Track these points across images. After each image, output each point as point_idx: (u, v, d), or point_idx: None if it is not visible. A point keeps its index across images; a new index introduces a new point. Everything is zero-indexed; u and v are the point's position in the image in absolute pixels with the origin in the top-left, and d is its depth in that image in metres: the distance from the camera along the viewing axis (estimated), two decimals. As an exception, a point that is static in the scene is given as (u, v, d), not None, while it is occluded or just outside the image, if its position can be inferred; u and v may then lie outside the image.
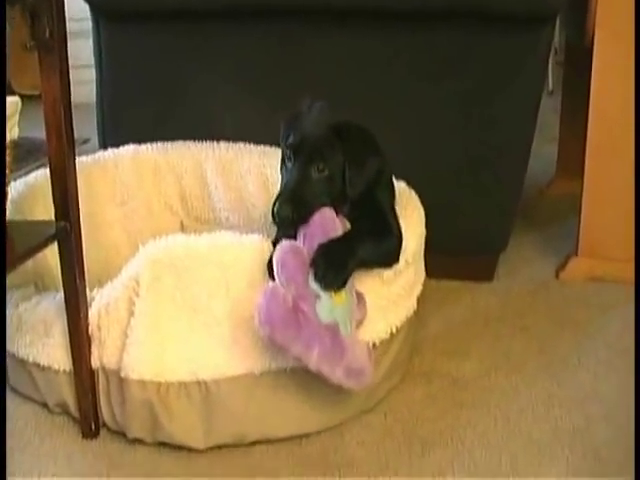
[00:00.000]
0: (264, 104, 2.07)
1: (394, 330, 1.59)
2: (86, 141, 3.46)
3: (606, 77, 2.09)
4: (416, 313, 1.72)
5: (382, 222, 1.55)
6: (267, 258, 1.41)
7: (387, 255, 1.54)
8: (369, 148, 1.54)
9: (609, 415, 1.61)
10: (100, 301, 1.44)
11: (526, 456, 1.49)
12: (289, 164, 1.51)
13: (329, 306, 1.38)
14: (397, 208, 1.65)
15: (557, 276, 2.26)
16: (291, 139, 1.50)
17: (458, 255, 2.17)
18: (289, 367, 1.44)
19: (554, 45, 3.85)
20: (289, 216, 1.43)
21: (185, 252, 1.40)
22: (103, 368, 1.47)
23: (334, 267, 1.38)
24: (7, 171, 1.43)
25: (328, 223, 1.46)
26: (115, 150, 2.07)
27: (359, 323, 1.47)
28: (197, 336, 1.42)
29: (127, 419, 1.47)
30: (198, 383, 1.43)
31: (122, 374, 1.42)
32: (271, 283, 1.39)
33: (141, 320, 1.40)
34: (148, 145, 2.09)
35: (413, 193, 1.79)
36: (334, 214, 1.48)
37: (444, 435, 1.55)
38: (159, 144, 2.09)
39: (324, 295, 1.38)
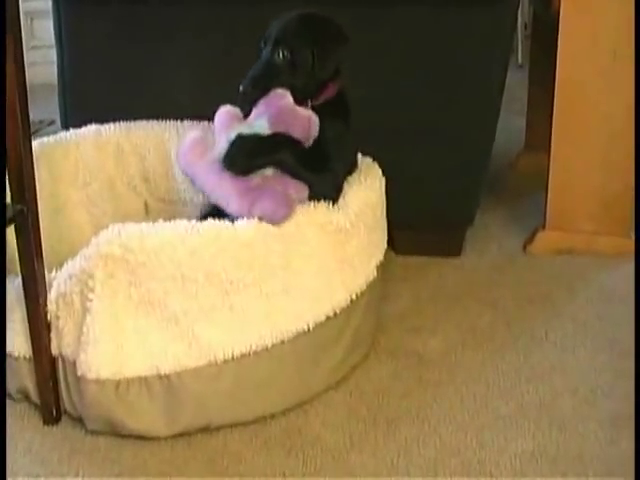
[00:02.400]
0: (225, 81, 2.04)
1: (354, 297, 1.59)
2: (52, 123, 3.42)
3: (572, 47, 2.08)
4: (380, 288, 1.72)
5: (322, 148, 1.58)
6: (223, 246, 1.40)
7: (316, 179, 1.55)
8: (337, 35, 1.62)
9: (575, 388, 1.62)
10: (57, 289, 1.41)
11: (492, 432, 1.49)
12: (264, 50, 1.59)
13: None
14: (356, 175, 1.67)
15: (525, 249, 2.26)
16: (269, 29, 1.60)
17: (425, 231, 2.16)
18: (252, 351, 1.43)
19: (523, 19, 3.85)
20: (246, 92, 1.57)
21: (138, 246, 1.36)
22: (62, 357, 1.45)
23: (242, 153, 1.49)
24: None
25: (274, 100, 1.55)
26: (77, 131, 2.04)
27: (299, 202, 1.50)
28: (155, 331, 1.40)
29: (86, 413, 1.46)
30: (159, 377, 1.40)
31: (79, 373, 1.40)
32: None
33: (97, 318, 1.37)
34: (110, 125, 2.05)
35: (376, 165, 1.77)
36: (287, 94, 1.56)
37: (410, 413, 1.55)
38: (121, 124, 2.06)
39: None
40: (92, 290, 1.37)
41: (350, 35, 1.62)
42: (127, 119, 2.07)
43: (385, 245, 1.75)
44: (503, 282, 2.07)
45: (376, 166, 1.76)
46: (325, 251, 1.50)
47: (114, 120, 2.07)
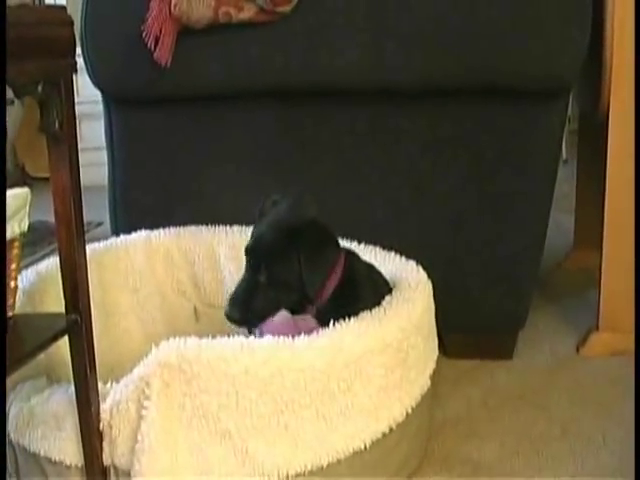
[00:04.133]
0: (274, 187, 2.06)
1: (409, 411, 1.55)
2: (99, 224, 3.48)
3: (622, 148, 2.08)
4: (432, 393, 1.69)
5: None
6: (279, 368, 1.38)
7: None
8: (325, 245, 1.56)
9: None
10: (113, 397, 1.40)
11: None
12: (246, 265, 1.54)
13: None
14: (404, 283, 1.66)
15: (578, 351, 2.22)
16: (248, 242, 1.54)
17: (476, 334, 2.14)
18: (307, 471, 1.40)
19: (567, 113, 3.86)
20: (238, 320, 1.52)
21: (195, 357, 1.34)
22: (114, 467, 1.42)
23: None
24: (15, 263, 1.40)
25: (282, 326, 1.52)
26: (127, 237, 2.06)
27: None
28: (209, 445, 1.37)
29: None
30: (212, 492, 1.38)
31: (134, 483, 1.38)
32: None
33: (151, 425, 1.35)
34: (160, 231, 2.08)
35: (421, 270, 1.76)
36: (281, 313, 1.53)
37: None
38: (171, 229, 2.09)
39: None
40: (148, 398, 1.35)
41: (334, 234, 1.61)
42: (176, 224, 2.10)
43: (437, 351, 1.72)
44: (556, 385, 2.03)
45: (421, 271, 1.75)
46: (387, 372, 1.48)
47: (164, 225, 2.09)
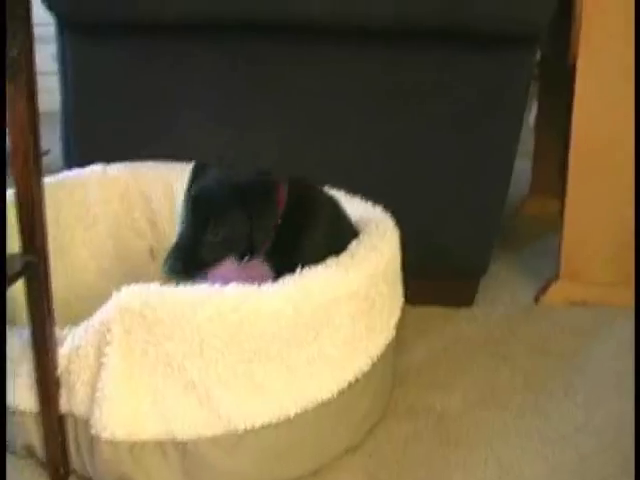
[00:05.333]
0: (235, 131, 1.99)
1: (375, 360, 1.52)
2: (46, 152, 3.34)
3: (589, 95, 2.04)
4: (395, 340, 1.65)
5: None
6: (247, 315, 1.32)
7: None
8: (269, 202, 1.49)
9: (603, 449, 1.56)
10: (71, 343, 1.34)
11: (519, 497, 1.43)
12: (187, 214, 1.45)
13: None
14: (370, 232, 1.60)
15: (537, 301, 2.20)
16: (192, 189, 1.46)
17: (438, 280, 2.10)
18: (273, 422, 1.36)
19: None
20: (180, 272, 1.42)
21: (157, 303, 1.28)
22: (72, 414, 1.37)
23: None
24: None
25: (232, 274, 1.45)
26: (82, 170, 1.97)
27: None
28: (172, 394, 1.31)
29: (97, 474, 1.38)
30: (175, 443, 1.33)
31: (92, 431, 1.32)
32: None
33: (112, 373, 1.29)
34: (117, 165, 1.99)
35: (388, 217, 1.71)
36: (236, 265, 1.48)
37: (432, 478, 1.48)
38: (128, 164, 2.00)
39: None
40: (109, 344, 1.29)
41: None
42: (134, 159, 2.01)
43: (402, 300, 1.68)
44: (517, 335, 2.02)
45: (388, 218, 1.70)
46: (353, 321, 1.43)
47: (120, 159, 2.01)
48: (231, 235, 1.45)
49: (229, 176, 1.47)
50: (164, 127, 2.06)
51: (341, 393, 1.44)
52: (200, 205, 1.45)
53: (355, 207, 1.74)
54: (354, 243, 1.55)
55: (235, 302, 1.29)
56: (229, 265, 1.48)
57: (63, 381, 1.37)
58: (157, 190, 1.97)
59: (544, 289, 2.22)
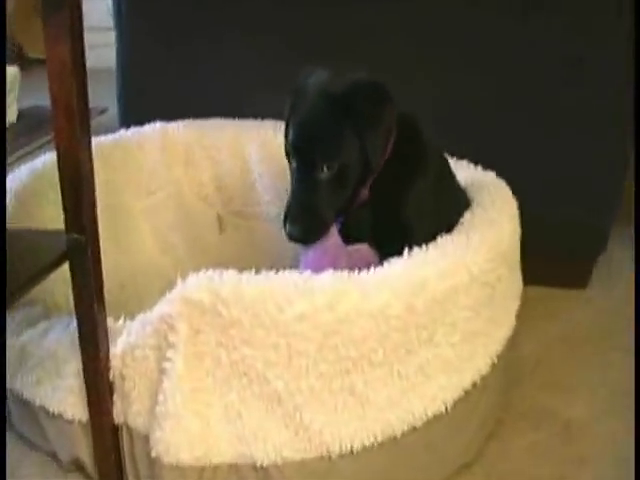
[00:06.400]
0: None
1: (495, 360, 1.25)
2: (103, 111, 3.11)
3: None
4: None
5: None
6: (347, 313, 1.04)
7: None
8: (382, 107, 1.20)
9: None
10: (126, 340, 1.08)
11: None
12: (293, 164, 1.20)
13: None
14: (486, 200, 1.33)
15: (661, 282, 1.89)
16: (290, 135, 1.20)
17: (549, 259, 1.80)
18: (375, 443, 1.08)
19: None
20: (303, 238, 1.18)
21: (234, 297, 1.01)
22: (128, 426, 1.11)
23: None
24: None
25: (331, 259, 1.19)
26: (139, 129, 1.74)
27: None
28: (252, 410, 1.05)
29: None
30: (254, 468, 1.07)
31: (152, 453, 1.07)
32: None
33: (177, 383, 1.03)
34: (178, 122, 1.76)
35: (504, 184, 1.43)
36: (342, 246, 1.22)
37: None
38: (191, 121, 1.77)
39: None
40: (172, 346, 1.03)
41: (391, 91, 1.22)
42: (195, 114, 1.78)
43: (522, 285, 1.40)
44: None
45: (504, 186, 1.42)
46: (473, 314, 1.16)
47: (180, 114, 1.77)
48: (345, 162, 1.17)
49: (323, 91, 1.19)
50: (231, 80, 1.81)
51: (456, 403, 1.17)
52: (302, 144, 1.18)
53: (463, 170, 1.45)
54: (467, 216, 1.27)
55: (331, 297, 1.02)
56: (331, 245, 1.20)
57: (117, 387, 1.11)
58: (225, 151, 1.72)
59: (667, 267, 1.89)
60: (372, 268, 1.10)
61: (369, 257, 1.20)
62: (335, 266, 1.12)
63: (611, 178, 1.74)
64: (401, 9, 1.67)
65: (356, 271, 1.07)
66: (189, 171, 1.72)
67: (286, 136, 1.22)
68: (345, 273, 1.05)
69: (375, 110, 1.19)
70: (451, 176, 1.36)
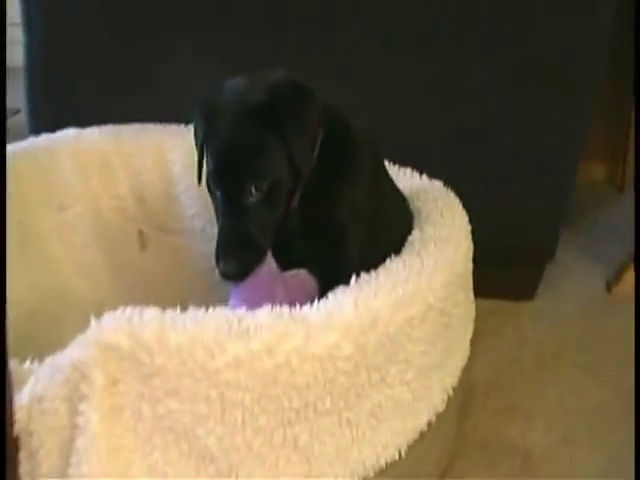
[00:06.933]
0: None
1: (450, 393, 1.14)
2: (16, 112, 2.91)
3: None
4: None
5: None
6: (288, 356, 0.90)
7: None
8: (304, 106, 1.06)
9: None
10: (33, 389, 0.92)
11: None
12: (216, 192, 1.05)
13: None
14: (434, 213, 1.22)
15: (609, 290, 1.81)
16: (210, 163, 1.06)
17: (496, 269, 1.69)
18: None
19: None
20: (240, 274, 1.02)
21: (158, 340, 0.86)
22: (37, 490, 0.95)
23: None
24: None
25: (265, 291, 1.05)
26: (50, 136, 1.58)
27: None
28: (179, 470, 0.90)
29: None
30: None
31: (66, 524, 0.91)
32: None
33: (92, 442, 0.87)
34: (94, 129, 1.59)
35: (452, 195, 1.31)
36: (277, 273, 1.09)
37: None
38: (108, 128, 1.60)
39: None
40: (86, 398, 0.88)
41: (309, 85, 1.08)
42: (112, 120, 1.61)
43: (474, 306, 1.29)
44: (595, 337, 1.63)
45: (454, 197, 1.32)
46: (428, 346, 1.04)
47: (95, 120, 1.60)
48: (276, 178, 1.04)
49: (241, 100, 1.05)
50: (149, 81, 1.69)
51: (411, 447, 1.04)
52: (226, 167, 1.03)
53: (406, 179, 1.34)
54: (416, 233, 1.15)
55: (270, 339, 0.88)
56: (264, 274, 1.06)
57: (23, 443, 0.95)
58: (146, 159, 1.56)
59: (617, 276, 1.82)
60: (312, 298, 0.97)
61: (307, 284, 1.06)
62: (270, 299, 0.98)
63: (562, 168, 1.65)
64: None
65: (297, 306, 0.93)
66: (106, 182, 1.56)
67: (199, 165, 1.09)
68: (285, 310, 0.91)
69: (298, 112, 1.05)
70: (385, 174, 1.23)
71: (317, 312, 0.92)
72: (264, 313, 0.90)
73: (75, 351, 0.89)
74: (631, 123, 2.24)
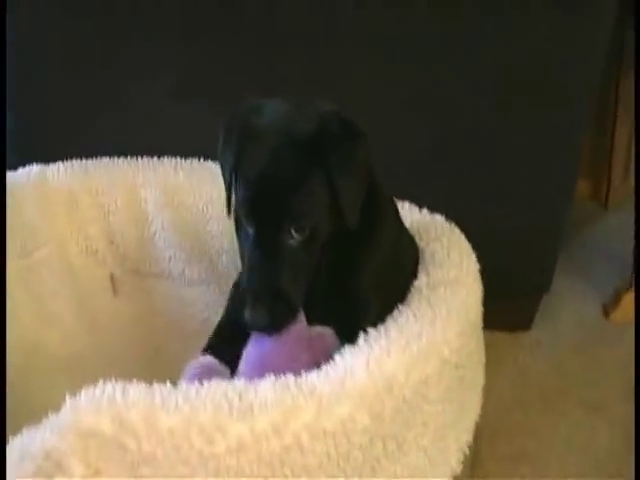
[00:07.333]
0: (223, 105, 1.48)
1: (467, 452, 1.04)
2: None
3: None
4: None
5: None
6: (296, 435, 0.79)
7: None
8: (356, 144, 0.95)
9: None
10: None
11: None
12: (249, 228, 0.93)
13: None
14: (440, 253, 1.13)
15: (607, 316, 1.73)
16: (243, 191, 0.93)
17: (492, 300, 1.61)
18: None
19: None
20: (271, 326, 0.91)
21: (146, 423, 0.75)
22: None
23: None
24: None
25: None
26: (11, 174, 1.46)
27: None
28: None
29: None
30: None
31: None
32: None
33: None
34: (59, 165, 1.48)
35: (456, 230, 1.22)
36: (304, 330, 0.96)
37: None
38: (74, 163, 1.48)
39: None
40: (60, 489, 0.76)
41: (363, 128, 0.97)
42: (79, 154, 1.50)
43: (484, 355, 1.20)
44: (597, 369, 1.55)
45: (459, 233, 1.22)
46: (444, 405, 0.94)
47: (60, 155, 1.49)
48: (319, 222, 0.93)
49: (289, 128, 0.93)
50: (120, 111, 1.59)
51: (426, 518, 0.94)
52: (265, 203, 0.91)
53: (407, 215, 1.24)
54: (422, 278, 1.05)
55: (277, 416, 0.77)
56: (292, 334, 0.94)
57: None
58: (117, 197, 1.45)
59: (615, 302, 1.75)
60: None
61: (331, 347, 0.95)
62: (294, 363, 0.87)
63: (558, 197, 1.58)
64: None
65: (305, 375, 0.82)
66: (74, 223, 1.46)
67: (229, 190, 0.97)
68: (291, 380, 0.81)
69: (351, 151, 0.94)
70: (404, 228, 1.13)
71: (327, 380, 0.81)
72: (268, 386, 0.79)
73: (47, 436, 0.78)
74: (615, 138, 2.18)
